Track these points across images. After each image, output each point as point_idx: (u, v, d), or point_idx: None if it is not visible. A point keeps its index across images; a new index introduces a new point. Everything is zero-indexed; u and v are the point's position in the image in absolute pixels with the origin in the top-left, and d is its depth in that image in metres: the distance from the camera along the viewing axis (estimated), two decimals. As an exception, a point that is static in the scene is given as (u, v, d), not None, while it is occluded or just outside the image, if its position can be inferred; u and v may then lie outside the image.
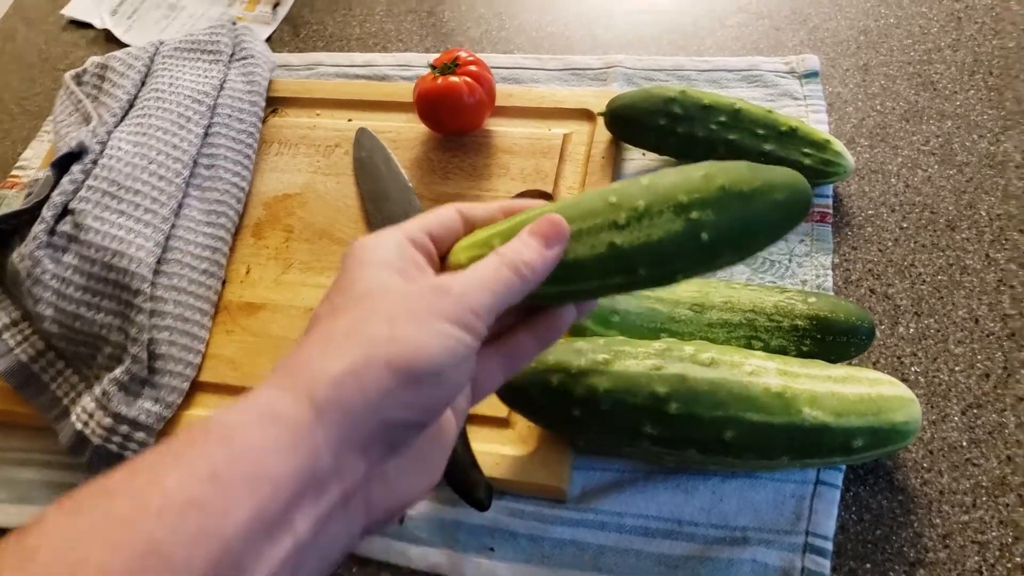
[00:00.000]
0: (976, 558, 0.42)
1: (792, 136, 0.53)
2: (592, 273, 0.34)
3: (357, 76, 0.69)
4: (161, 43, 0.66)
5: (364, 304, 0.28)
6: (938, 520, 0.43)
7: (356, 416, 0.25)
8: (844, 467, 0.45)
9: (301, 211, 0.61)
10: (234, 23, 0.68)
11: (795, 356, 0.45)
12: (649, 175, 0.36)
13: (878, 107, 0.60)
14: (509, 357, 0.34)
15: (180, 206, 0.56)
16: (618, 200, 0.34)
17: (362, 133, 0.62)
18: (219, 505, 0.22)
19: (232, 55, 0.66)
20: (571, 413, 0.43)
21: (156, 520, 0.21)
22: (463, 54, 0.59)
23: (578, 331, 0.47)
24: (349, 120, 0.65)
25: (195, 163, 0.58)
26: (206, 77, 0.62)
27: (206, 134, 0.60)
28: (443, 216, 0.33)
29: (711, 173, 0.35)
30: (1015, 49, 0.61)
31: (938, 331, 0.49)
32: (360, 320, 0.27)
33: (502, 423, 0.48)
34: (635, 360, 0.43)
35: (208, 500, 0.22)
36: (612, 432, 0.43)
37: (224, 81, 0.63)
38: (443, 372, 0.27)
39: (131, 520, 0.21)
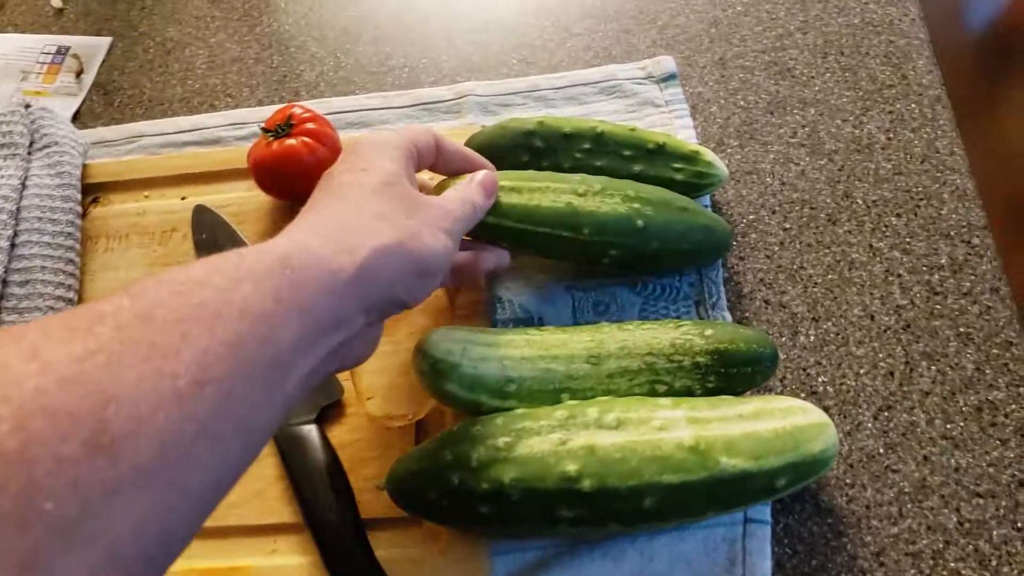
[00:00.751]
0: (912, 571, 0.41)
1: (660, 152, 0.51)
2: (548, 220, 0.44)
3: (186, 143, 0.62)
4: (-57, 141, 0.57)
5: (389, 192, 0.36)
6: (869, 538, 0.42)
7: (378, 284, 0.33)
8: (771, 501, 0.43)
9: (144, 313, 0.53)
10: (27, 105, 0.59)
11: (701, 395, 0.43)
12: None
13: (741, 103, 0.58)
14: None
15: (-7, 338, 0.48)
16: (582, 180, 0.46)
17: (199, 211, 0.56)
18: (278, 322, 0.28)
19: (31, 144, 0.57)
20: (479, 511, 0.39)
21: (239, 319, 0.26)
22: (297, 110, 0.53)
23: (473, 406, 0.43)
24: (183, 198, 0.58)
25: (4, 283, 0.50)
26: (1, 178, 0.53)
27: (12, 245, 0.52)
28: (425, 137, 0.42)
29: (662, 189, 0.47)
30: (861, 25, 0.60)
31: (838, 334, 0.48)
32: (390, 209, 0.35)
33: (407, 522, 0.44)
34: (538, 437, 0.39)
35: (271, 316, 0.27)
36: (526, 523, 0.39)
37: (26, 178, 0.54)
38: (437, 272, 0.36)
39: (220, 313, 0.26)
